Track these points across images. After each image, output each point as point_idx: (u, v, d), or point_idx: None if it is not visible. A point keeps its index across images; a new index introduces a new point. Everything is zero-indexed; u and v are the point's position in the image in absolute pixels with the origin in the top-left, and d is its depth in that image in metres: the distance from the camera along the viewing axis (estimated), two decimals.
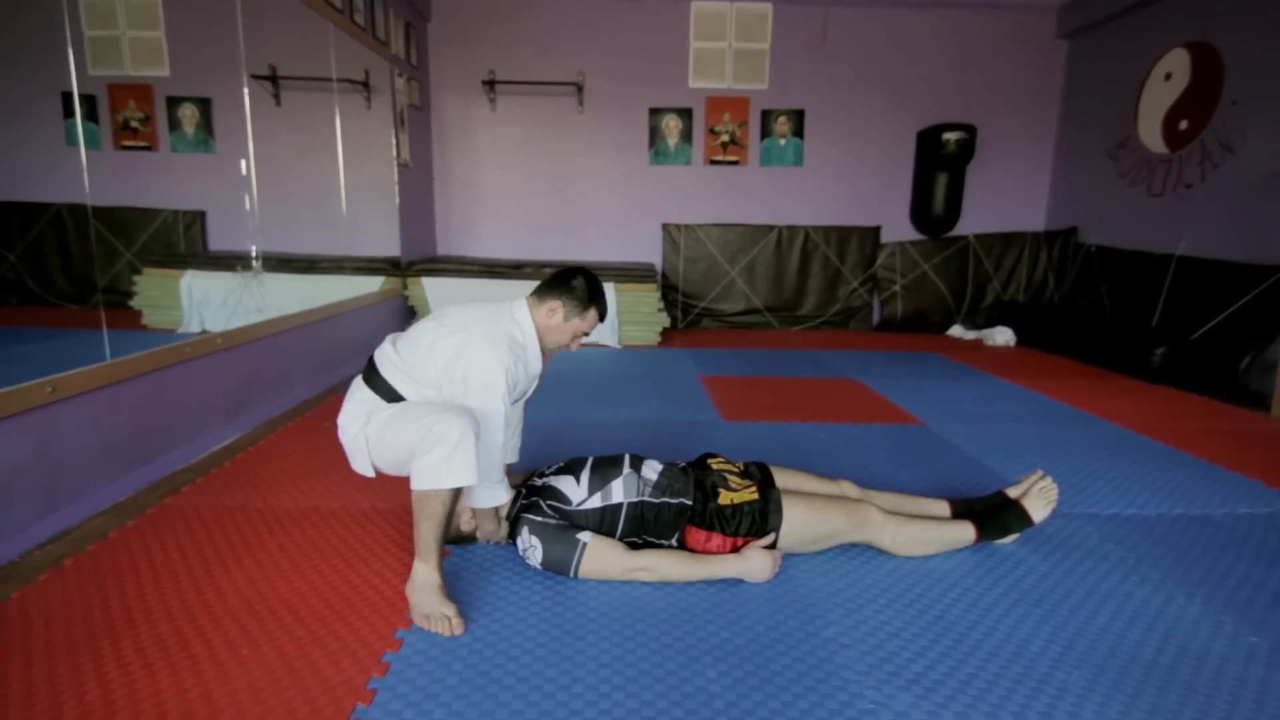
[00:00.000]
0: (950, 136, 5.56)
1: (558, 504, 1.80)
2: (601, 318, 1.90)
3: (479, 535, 1.93)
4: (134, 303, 2.73)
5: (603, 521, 1.79)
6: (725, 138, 5.91)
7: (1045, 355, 5.01)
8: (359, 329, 4.25)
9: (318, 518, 2.12)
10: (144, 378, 2.39)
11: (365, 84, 4.37)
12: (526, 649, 1.50)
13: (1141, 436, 3.06)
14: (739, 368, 4.40)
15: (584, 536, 1.74)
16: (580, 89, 5.70)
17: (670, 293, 6.00)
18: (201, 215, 3.07)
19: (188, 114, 3.04)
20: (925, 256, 6.01)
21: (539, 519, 1.78)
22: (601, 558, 1.73)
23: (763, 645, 1.52)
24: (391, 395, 1.74)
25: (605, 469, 1.85)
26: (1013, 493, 2.01)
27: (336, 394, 3.58)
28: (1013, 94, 5.89)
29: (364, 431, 1.72)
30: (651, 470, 1.86)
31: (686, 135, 5.89)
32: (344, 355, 3.98)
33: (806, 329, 6.06)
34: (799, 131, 5.92)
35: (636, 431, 2.99)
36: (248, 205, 3.10)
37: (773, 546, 1.81)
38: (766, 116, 5.89)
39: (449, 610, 1.58)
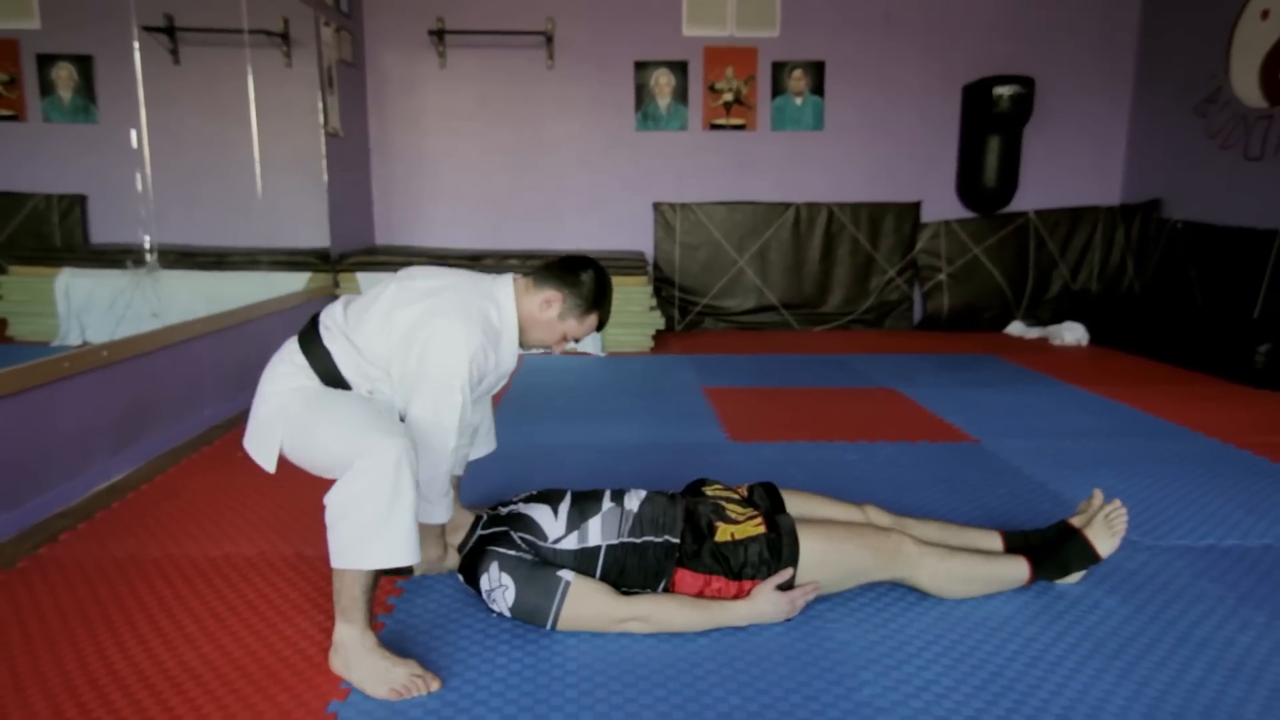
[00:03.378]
0: (1003, 91, 5.63)
1: (531, 537, 1.82)
2: (600, 326, 1.97)
3: (415, 566, 1.92)
4: None
5: (578, 567, 1.81)
6: (728, 97, 5.96)
7: (1124, 356, 5.07)
8: (280, 337, 4.23)
9: (230, 568, 2.12)
10: (9, 400, 2.39)
11: (284, 36, 4.39)
12: None
13: (1242, 452, 3.11)
14: (750, 378, 4.43)
15: (566, 575, 1.75)
16: (550, 39, 5.75)
17: (665, 287, 6.04)
18: (81, 200, 3.07)
19: (64, 75, 3.05)
20: (976, 238, 6.07)
21: (512, 553, 1.79)
22: (588, 603, 1.74)
23: (781, 713, 1.53)
24: (327, 371, 1.75)
25: (585, 504, 1.89)
26: (1076, 522, 2.04)
27: None
28: (1079, 38, 5.97)
29: (286, 411, 1.72)
30: (634, 499, 1.89)
31: (681, 94, 5.94)
32: (260, 370, 3.97)
33: (832, 329, 6.10)
34: (819, 88, 5.97)
35: (624, 459, 3.00)
36: (139, 186, 3.10)
37: (789, 586, 1.82)
38: (778, 70, 5.94)
39: (412, 668, 1.59)
